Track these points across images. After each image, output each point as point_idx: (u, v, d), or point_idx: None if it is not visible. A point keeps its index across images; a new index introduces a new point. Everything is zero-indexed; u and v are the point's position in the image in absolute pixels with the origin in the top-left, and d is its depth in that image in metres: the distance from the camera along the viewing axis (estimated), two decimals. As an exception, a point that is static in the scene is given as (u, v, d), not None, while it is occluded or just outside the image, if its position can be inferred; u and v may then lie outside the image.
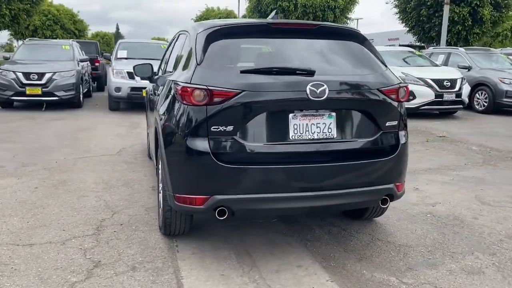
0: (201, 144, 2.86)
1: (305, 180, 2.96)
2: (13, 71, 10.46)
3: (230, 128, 2.84)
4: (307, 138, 2.96)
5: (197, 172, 2.90)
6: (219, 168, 2.84)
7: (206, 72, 2.94)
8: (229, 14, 31.56)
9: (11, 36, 28.76)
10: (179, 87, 2.97)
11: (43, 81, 10.43)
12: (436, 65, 12.27)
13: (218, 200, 2.87)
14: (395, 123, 3.20)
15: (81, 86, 11.41)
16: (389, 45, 23.74)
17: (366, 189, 3.10)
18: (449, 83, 10.73)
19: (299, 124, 2.95)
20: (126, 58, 11.54)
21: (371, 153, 3.13)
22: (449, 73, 11.26)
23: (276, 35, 3.21)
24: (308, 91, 2.87)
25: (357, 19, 50.68)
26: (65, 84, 10.68)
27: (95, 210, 4.12)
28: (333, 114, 3.02)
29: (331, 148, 3.02)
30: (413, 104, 10.45)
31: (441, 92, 10.61)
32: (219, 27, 3.15)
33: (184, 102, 2.90)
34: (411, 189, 4.92)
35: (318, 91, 2.88)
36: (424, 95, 10.51)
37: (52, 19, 27.90)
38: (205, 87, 2.83)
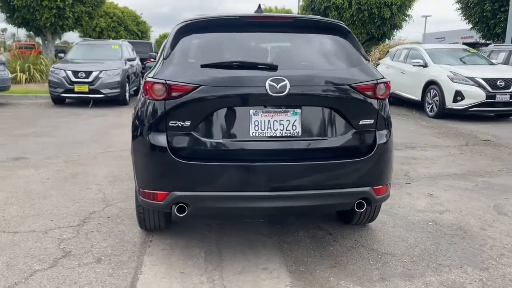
0: (160, 139, 2.83)
1: (267, 179, 2.83)
2: (63, 70, 11.09)
3: (187, 123, 2.79)
4: (268, 135, 2.83)
5: (157, 168, 2.87)
6: (176, 164, 2.79)
7: (170, 67, 2.91)
8: (286, 13, 31.41)
9: (80, 37, 30.57)
10: (143, 82, 2.96)
11: (89, 79, 10.95)
12: (492, 64, 11.41)
13: (176, 196, 2.83)
14: (371, 121, 2.98)
15: (127, 84, 11.82)
16: (453, 43, 22.46)
17: (336, 191, 2.91)
18: (503, 83, 9.91)
19: (261, 121, 2.83)
20: None
21: (342, 153, 2.93)
22: (504, 72, 10.42)
23: (249, 28, 3.10)
24: (267, 87, 2.74)
25: (426, 17, 48.55)
26: (110, 82, 11.14)
27: (90, 202, 4.23)
28: (298, 111, 2.86)
29: (295, 146, 2.87)
30: (461, 105, 9.80)
31: (493, 92, 9.82)
32: (190, 22, 3.10)
33: (147, 97, 2.88)
34: (423, 195, 4.59)
35: (278, 87, 2.75)
36: (473, 95, 9.79)
37: (117, 21, 29.34)
38: (163, 81, 2.80)
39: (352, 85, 2.89)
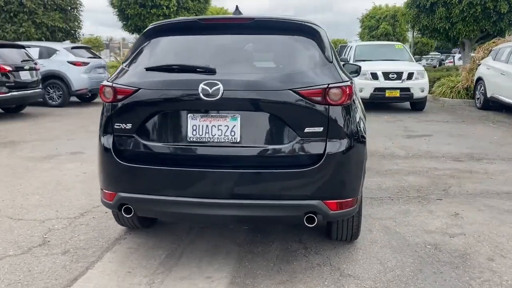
0: (107, 141, 2.92)
1: (205, 186, 2.75)
2: None
3: (129, 126, 2.83)
4: (206, 140, 2.75)
5: (106, 168, 2.96)
6: (120, 166, 2.85)
7: (124, 70, 2.98)
8: (396, 11, 29.75)
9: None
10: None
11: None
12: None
13: (121, 197, 2.89)
14: (319, 130, 2.71)
15: None
16: None
17: (279, 203, 2.72)
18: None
19: (199, 125, 2.75)
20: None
21: (285, 162, 2.73)
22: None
23: (208, 31, 3.04)
24: (200, 90, 2.67)
25: None
26: None
27: (102, 197, 4.51)
28: (238, 116, 2.73)
29: (234, 153, 2.74)
30: None
31: None
32: (153, 26, 3.14)
33: (102, 99, 2.99)
34: (446, 214, 4.05)
35: (211, 91, 2.66)
36: None
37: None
38: (111, 84, 2.88)
39: (296, 89, 2.67)
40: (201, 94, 2.66)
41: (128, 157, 2.86)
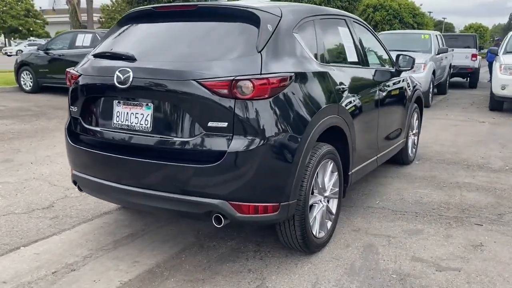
0: (66, 123, 3.20)
1: (121, 172, 2.81)
2: None
3: (75, 109, 3.05)
4: (125, 128, 2.79)
5: (66, 147, 3.24)
6: (70, 146, 3.11)
7: (86, 57, 3.20)
8: None
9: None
10: None
11: None
12: None
13: (72, 174, 3.16)
14: (223, 125, 2.49)
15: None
16: None
17: (183, 198, 2.62)
18: None
19: (122, 112, 2.81)
20: None
21: (189, 157, 2.59)
22: None
23: (161, 19, 3.04)
24: (115, 77, 2.71)
25: None
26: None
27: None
28: (151, 105, 2.69)
29: (145, 142, 2.71)
30: None
31: None
32: (126, 14, 3.27)
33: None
34: (468, 243, 3.29)
35: (123, 78, 2.68)
36: None
37: (392, 14, 28.95)
38: (70, 70, 3.14)
39: (200, 80, 2.51)
40: (115, 81, 2.70)
41: (76, 139, 3.09)
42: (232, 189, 2.54)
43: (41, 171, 4.92)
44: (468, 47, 15.83)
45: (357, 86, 3.58)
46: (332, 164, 3.15)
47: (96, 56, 3.00)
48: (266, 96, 2.52)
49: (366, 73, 3.86)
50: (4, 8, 47.05)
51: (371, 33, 4.43)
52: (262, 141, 2.51)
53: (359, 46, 3.88)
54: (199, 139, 2.55)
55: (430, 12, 67.89)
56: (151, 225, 3.57)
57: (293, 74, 2.70)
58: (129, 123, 2.77)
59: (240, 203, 2.55)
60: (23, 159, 5.42)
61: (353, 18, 4.01)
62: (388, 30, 28.09)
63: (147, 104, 2.70)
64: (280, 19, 2.84)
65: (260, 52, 2.60)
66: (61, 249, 3.17)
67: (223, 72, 2.50)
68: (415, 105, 5.32)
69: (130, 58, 2.75)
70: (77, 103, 3.03)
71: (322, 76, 3.03)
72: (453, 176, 4.97)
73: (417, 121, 5.56)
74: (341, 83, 3.26)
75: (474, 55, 15.28)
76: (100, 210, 3.85)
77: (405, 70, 4.66)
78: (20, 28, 48.16)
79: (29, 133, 6.91)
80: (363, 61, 3.88)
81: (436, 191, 4.47)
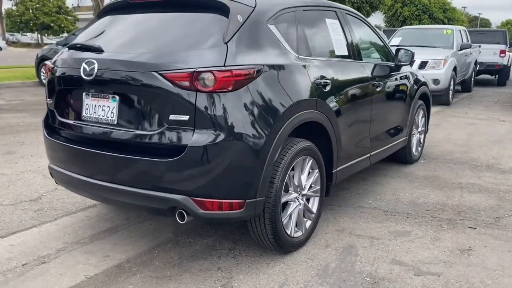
0: (44, 115, 3.20)
1: (90, 166, 2.78)
2: None
3: (50, 101, 3.04)
4: (93, 120, 2.76)
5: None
6: (45, 138, 3.10)
7: (62, 50, 3.19)
8: None
9: (386, 24, 31.21)
10: None
11: None
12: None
13: (48, 166, 3.16)
14: (185, 118, 2.42)
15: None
16: None
17: (145, 193, 2.56)
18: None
19: (90, 104, 2.77)
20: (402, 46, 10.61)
21: (151, 150, 2.53)
22: None
23: (136, 10, 2.98)
24: (81, 69, 2.68)
25: None
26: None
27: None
28: (116, 97, 2.64)
29: (111, 135, 2.67)
30: None
31: None
32: (105, 6, 3.25)
33: None
34: (455, 247, 3.12)
35: (88, 70, 2.64)
36: None
37: (421, 9, 28.20)
38: (46, 62, 3.13)
39: (161, 72, 2.44)
40: (81, 73, 2.67)
41: (51, 131, 3.08)
42: (195, 185, 2.47)
43: (38, 164, 4.97)
44: (498, 43, 15.20)
45: (345, 81, 3.44)
46: (311, 161, 3.03)
47: (70, 48, 2.98)
48: (230, 89, 2.43)
49: (357, 67, 3.71)
50: (37, 5, 48.43)
51: (368, 26, 4.27)
52: (225, 136, 2.43)
53: (351, 39, 3.73)
54: (162, 132, 2.48)
55: (464, 8, 65.91)
56: (133, 220, 3.54)
57: (262, 66, 2.60)
58: (97, 116, 2.73)
59: (204, 199, 2.48)
60: (25, 151, 5.50)
61: (346, 10, 3.86)
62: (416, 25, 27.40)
63: (113, 97, 2.66)
64: (253, 10, 2.75)
65: (226, 43, 2.51)
66: (37, 241, 3.18)
67: (185, 63, 2.43)
68: (420, 102, 5.11)
69: (98, 50, 2.71)
70: (52, 96, 3.02)
71: (299, 69, 2.92)
72: (457, 176, 4.75)
73: (423, 118, 5.34)
74: (323, 77, 3.13)
75: (502, 52, 14.66)
76: (85, 203, 3.85)
77: (405, 65, 4.46)
78: (52, 24, 49.48)
79: (37, 126, 7.02)
80: (354, 55, 3.73)
81: (435, 191, 4.27)
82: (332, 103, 3.20)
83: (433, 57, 9.73)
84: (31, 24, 49.89)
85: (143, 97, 2.54)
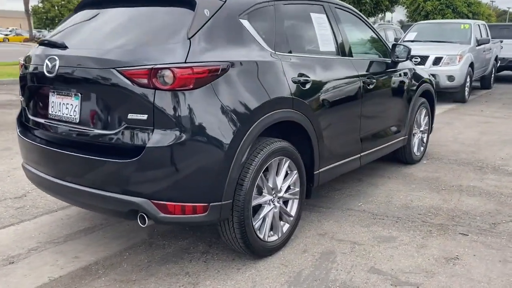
0: (18, 113, 3.15)
1: (55, 165, 2.71)
2: None
3: (22, 98, 2.99)
4: (58, 119, 2.68)
5: None
6: (19, 136, 3.06)
7: (35, 46, 3.13)
8: None
9: (408, 19, 30.58)
10: None
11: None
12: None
13: (22, 165, 3.12)
14: (143, 117, 2.31)
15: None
16: None
17: (105, 194, 2.47)
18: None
19: (56, 102, 2.70)
20: (418, 41, 10.33)
21: (110, 151, 2.44)
22: None
23: (106, 5, 2.89)
24: (44, 66, 2.60)
25: None
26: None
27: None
28: (79, 95, 2.56)
29: (73, 134, 2.59)
30: None
31: None
32: (79, 2, 3.17)
33: None
34: (441, 255, 2.95)
35: (50, 66, 2.57)
36: None
37: (445, 3, 27.41)
38: (20, 59, 3.08)
39: (119, 69, 2.34)
40: (44, 69, 2.60)
41: (24, 129, 3.03)
42: (155, 187, 2.37)
43: (32, 160, 4.97)
44: None
45: (329, 78, 3.27)
46: (288, 162, 2.90)
47: (40, 44, 2.91)
48: (191, 87, 2.32)
49: (345, 64, 3.54)
50: (62, 2, 49.33)
51: (362, 21, 4.08)
52: (186, 136, 2.32)
53: (340, 35, 3.56)
54: (121, 132, 2.39)
55: (492, 1, 63.86)
56: (111, 220, 3.47)
57: (228, 63, 2.48)
58: (61, 114, 2.66)
59: (165, 202, 2.37)
60: (22, 147, 5.52)
61: (336, 4, 3.69)
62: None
63: (75, 94, 2.58)
64: (223, 4, 2.63)
65: (190, 38, 2.40)
66: (11, 240, 3.14)
67: (145, 60, 2.33)
68: (422, 99, 4.89)
69: (61, 46, 2.63)
70: (23, 93, 2.97)
71: (274, 66, 2.78)
72: (459, 178, 4.52)
73: (426, 117, 5.11)
74: (302, 74, 2.99)
75: None
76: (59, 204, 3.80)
77: (402, 61, 4.26)
78: (76, 21, 50.31)
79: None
80: (343, 51, 3.57)
81: (431, 194, 4.07)
82: (313, 101, 3.06)
83: (448, 52, 9.40)
84: (57, 21, 50.82)
85: (103, 95, 2.45)
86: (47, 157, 2.74)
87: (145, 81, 2.29)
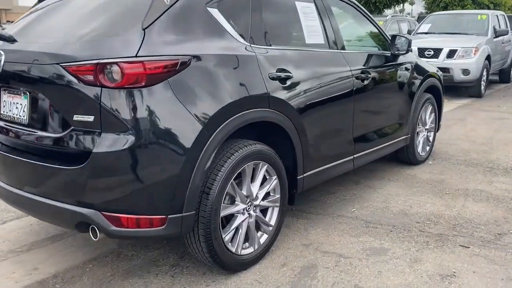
0: None
1: (6, 170, 2.48)
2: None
3: None
4: (9, 119, 2.46)
5: None
6: None
7: None
8: None
9: (426, 11, 29.74)
10: None
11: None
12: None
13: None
14: (89, 119, 2.06)
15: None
16: None
17: (53, 204, 2.23)
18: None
19: (7, 101, 2.47)
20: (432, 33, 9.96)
21: (58, 156, 2.20)
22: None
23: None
24: (-9, 61, 2.37)
25: None
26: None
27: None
28: (27, 94, 2.32)
29: (21, 137, 2.36)
30: None
31: None
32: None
33: None
34: (436, 271, 2.64)
35: None
36: None
37: (462, -6, 26.55)
38: None
39: (63, 64, 2.09)
40: None
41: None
42: (105, 198, 2.12)
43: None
44: None
45: (316, 73, 2.98)
46: (265, 166, 2.62)
47: None
48: (143, 84, 2.05)
49: (335, 58, 3.23)
50: None
51: (359, 11, 3.75)
52: (137, 140, 2.06)
53: (330, 26, 3.25)
54: (68, 135, 2.15)
55: (516, -8, 62.05)
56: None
57: (190, 57, 2.20)
58: (12, 114, 2.43)
59: (118, 214, 2.12)
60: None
61: None
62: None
63: (24, 93, 2.34)
64: None
65: (145, 29, 2.13)
66: (-21, 244, 2.94)
67: (92, 54, 2.07)
68: (428, 95, 4.53)
69: (9, 40, 2.39)
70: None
71: (247, 61, 2.50)
72: (466, 181, 4.17)
73: (432, 114, 4.76)
74: (283, 70, 2.70)
75: None
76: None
77: (402, 54, 3.93)
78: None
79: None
80: (334, 44, 3.25)
81: (433, 199, 3.74)
82: (295, 99, 2.76)
83: (463, 45, 8.93)
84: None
85: (49, 94, 2.21)
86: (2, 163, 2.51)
87: (91, 77, 2.04)
